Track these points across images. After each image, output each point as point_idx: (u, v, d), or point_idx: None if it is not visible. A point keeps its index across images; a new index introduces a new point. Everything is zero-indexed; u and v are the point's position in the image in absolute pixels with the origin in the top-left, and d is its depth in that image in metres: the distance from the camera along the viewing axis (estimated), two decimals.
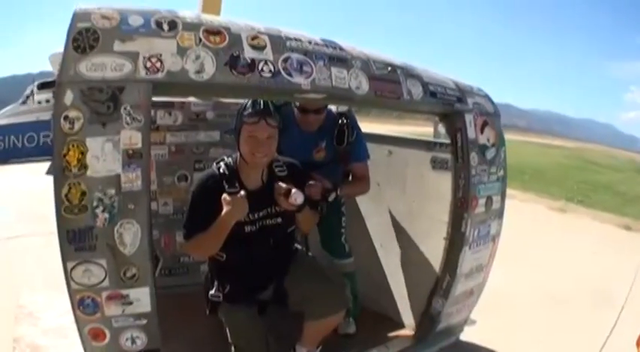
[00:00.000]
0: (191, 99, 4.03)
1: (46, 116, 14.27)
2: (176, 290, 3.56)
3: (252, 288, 2.60)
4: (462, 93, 3.03)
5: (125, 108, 1.90)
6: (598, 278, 5.70)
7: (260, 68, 2.16)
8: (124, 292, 2.02)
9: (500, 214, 3.28)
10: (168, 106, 3.87)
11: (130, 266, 1.99)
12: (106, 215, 1.92)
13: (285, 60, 2.24)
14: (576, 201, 11.94)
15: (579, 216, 10.10)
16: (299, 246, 2.89)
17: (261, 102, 2.41)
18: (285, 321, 2.77)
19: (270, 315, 2.66)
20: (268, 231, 2.57)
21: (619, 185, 17.39)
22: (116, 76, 1.89)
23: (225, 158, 2.58)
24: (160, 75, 1.95)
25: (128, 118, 1.91)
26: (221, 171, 2.51)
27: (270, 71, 2.18)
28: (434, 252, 3.19)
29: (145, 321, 2.10)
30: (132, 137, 1.92)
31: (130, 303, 2.04)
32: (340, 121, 3.22)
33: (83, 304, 1.99)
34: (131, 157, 1.93)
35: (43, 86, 16.29)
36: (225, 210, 2.31)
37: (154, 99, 3.72)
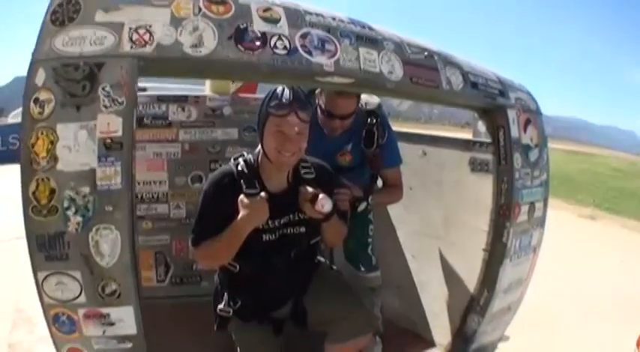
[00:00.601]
0: (207, 93, 3.82)
1: None
2: (187, 301, 3.41)
3: (267, 304, 2.33)
4: (504, 87, 2.73)
5: (104, 89, 1.61)
6: (629, 288, 5.69)
7: (273, 44, 1.83)
8: (104, 311, 1.73)
9: (542, 223, 3.00)
10: (181, 100, 3.65)
11: (108, 280, 1.69)
12: (79, 218, 1.62)
13: (304, 36, 1.91)
14: (604, 208, 11.98)
15: (608, 224, 10.25)
16: (322, 259, 2.58)
17: (292, 90, 2.06)
18: (304, 342, 2.47)
19: (287, 335, 2.38)
20: (289, 241, 2.24)
21: None
22: (95, 50, 1.61)
23: (245, 154, 2.25)
24: (147, 48, 1.65)
25: (107, 100, 1.61)
26: (239, 168, 2.17)
27: (285, 48, 1.86)
28: (471, 263, 2.90)
29: (129, 345, 1.80)
30: (110, 123, 1.61)
31: (112, 324, 1.75)
32: (369, 120, 2.85)
33: (58, 321, 1.74)
34: (109, 148, 1.62)
35: None
36: (241, 213, 2.00)
37: (167, 93, 3.55)
